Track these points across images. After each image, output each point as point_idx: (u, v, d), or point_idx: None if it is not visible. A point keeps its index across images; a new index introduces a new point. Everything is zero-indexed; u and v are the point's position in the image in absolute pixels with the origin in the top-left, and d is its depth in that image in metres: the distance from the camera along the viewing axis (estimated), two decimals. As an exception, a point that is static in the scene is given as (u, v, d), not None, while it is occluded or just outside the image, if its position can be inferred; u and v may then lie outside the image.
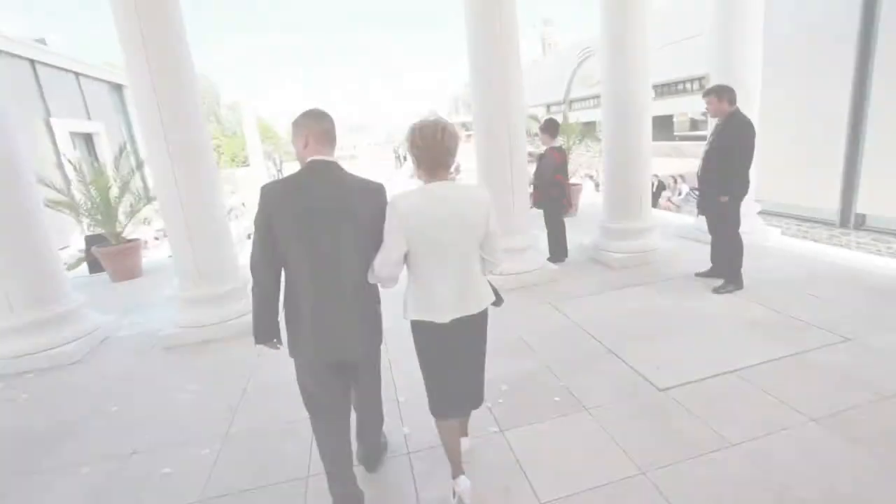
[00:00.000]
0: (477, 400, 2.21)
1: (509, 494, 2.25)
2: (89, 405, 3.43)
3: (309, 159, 1.85)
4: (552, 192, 4.93)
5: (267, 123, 44.31)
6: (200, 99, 4.38)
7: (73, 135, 14.89)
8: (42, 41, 15.06)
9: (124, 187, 6.85)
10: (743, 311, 4.03)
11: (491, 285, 2.13)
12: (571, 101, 22.73)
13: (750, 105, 5.03)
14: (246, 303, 4.45)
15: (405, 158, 27.48)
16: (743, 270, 4.35)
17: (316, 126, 1.86)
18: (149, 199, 7.08)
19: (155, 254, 9.80)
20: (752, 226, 5.62)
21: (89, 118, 15.96)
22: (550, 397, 3.04)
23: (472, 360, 2.11)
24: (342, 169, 1.90)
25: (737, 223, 4.21)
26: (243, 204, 21.33)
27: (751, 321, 3.85)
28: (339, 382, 2.01)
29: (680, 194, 14.80)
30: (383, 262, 1.84)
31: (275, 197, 1.77)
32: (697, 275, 4.68)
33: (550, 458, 2.48)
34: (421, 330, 1.98)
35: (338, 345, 1.87)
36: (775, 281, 4.58)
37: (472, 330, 2.02)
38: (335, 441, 2.01)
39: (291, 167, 29.12)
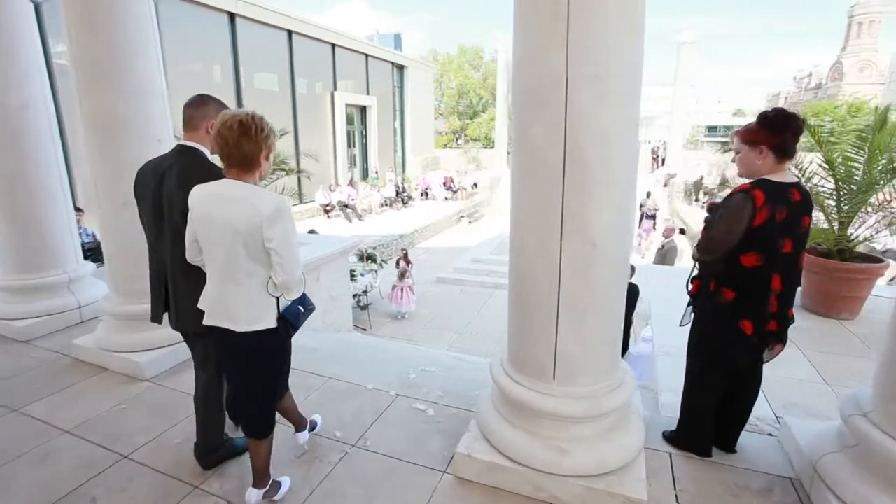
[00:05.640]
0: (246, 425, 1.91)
1: None
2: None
3: None
4: (717, 289, 1.92)
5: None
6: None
7: (349, 105, 17.76)
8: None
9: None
10: None
11: (285, 311, 1.76)
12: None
13: None
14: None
15: (663, 161, 22.70)
16: None
17: None
18: (290, 172, 7.27)
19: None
20: None
21: (368, 93, 18.76)
22: None
23: (236, 378, 1.89)
24: None
25: None
26: (474, 185, 21.68)
27: None
28: None
29: None
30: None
31: None
32: None
33: None
34: None
35: None
36: None
37: (233, 346, 1.76)
38: None
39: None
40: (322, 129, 16.58)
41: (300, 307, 1.81)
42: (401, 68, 21.22)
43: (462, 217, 17.77)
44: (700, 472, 2.08)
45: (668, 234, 7.68)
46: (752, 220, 1.76)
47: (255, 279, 1.68)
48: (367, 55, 18.11)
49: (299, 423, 2.23)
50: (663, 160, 22.46)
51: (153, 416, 2.56)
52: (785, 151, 1.80)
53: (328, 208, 15.85)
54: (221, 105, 2.02)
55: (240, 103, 12.91)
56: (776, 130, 1.78)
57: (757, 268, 1.82)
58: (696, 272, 2.11)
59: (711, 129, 48.13)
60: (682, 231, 12.58)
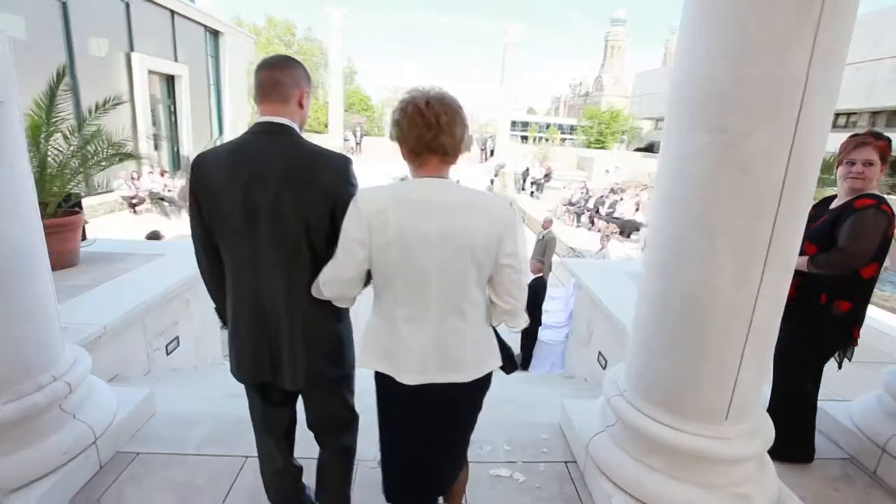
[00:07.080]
0: (440, 486, 1.56)
1: None
2: None
3: None
4: (831, 301, 1.97)
5: (365, 96, 44.48)
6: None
7: (152, 73, 14.28)
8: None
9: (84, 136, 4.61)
10: None
11: (501, 342, 1.44)
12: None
13: None
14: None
15: (492, 153, 24.69)
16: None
17: None
18: (121, 157, 4.92)
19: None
20: None
21: (176, 60, 15.34)
22: None
23: (446, 443, 1.48)
24: None
25: None
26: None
27: None
28: None
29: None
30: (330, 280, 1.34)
31: None
32: None
33: None
34: (383, 385, 1.41)
35: None
36: None
37: (454, 403, 1.39)
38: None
39: (371, 140, 27.84)
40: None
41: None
42: (215, 34, 17.97)
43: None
44: (798, 477, 2.16)
45: (546, 225, 8.27)
46: (886, 233, 1.85)
47: (480, 310, 1.34)
48: (172, 11, 14.71)
49: None
50: (492, 151, 24.46)
51: None
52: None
53: (134, 201, 12.58)
54: (305, 70, 1.39)
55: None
56: None
57: (873, 277, 1.93)
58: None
59: (513, 125, 55.26)
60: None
